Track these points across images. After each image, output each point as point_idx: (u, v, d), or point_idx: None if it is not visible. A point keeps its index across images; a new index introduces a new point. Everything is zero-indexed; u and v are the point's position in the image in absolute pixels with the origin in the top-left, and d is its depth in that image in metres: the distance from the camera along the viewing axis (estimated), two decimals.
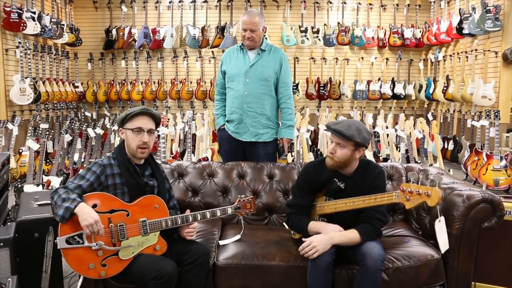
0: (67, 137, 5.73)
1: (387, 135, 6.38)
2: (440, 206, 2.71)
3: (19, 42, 6.29)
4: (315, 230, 2.53)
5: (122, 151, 2.49)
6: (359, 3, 8.32)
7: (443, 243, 2.45)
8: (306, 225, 2.58)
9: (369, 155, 6.31)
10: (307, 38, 8.12)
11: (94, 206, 2.28)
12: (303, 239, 2.47)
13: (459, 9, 6.92)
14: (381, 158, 6.22)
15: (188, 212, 2.51)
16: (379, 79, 8.32)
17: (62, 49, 7.89)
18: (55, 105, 7.22)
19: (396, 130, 6.16)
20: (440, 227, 2.46)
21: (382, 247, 2.46)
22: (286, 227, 2.95)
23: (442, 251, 2.47)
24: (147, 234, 2.36)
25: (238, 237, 2.82)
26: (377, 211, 2.50)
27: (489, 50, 6.47)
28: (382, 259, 2.36)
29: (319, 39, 8.16)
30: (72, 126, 5.98)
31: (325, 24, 8.23)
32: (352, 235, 2.44)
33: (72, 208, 2.18)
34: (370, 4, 8.36)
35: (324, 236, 2.43)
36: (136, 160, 2.49)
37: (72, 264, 2.23)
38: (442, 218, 2.44)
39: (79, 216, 2.18)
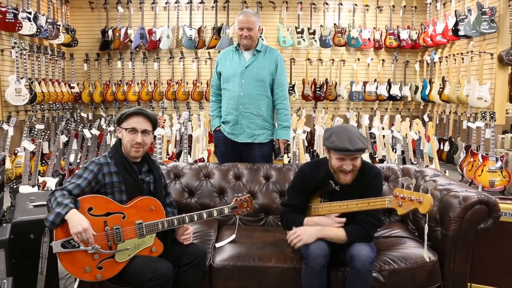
0: (63, 138, 5.71)
1: (383, 136, 6.40)
2: (436, 208, 2.73)
3: (15, 43, 6.27)
4: (312, 224, 2.54)
5: (119, 150, 2.49)
6: (355, 5, 8.33)
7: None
8: (301, 220, 2.59)
9: (365, 156, 6.31)
10: (304, 39, 8.13)
11: (90, 209, 2.27)
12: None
13: (455, 11, 6.94)
14: (377, 159, 6.23)
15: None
16: (375, 80, 8.34)
17: (58, 50, 7.86)
18: (51, 105, 7.21)
19: (392, 131, 6.17)
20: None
21: (373, 248, 2.47)
22: None
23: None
24: (143, 237, 2.35)
25: (233, 236, 2.82)
26: (371, 214, 2.50)
27: (484, 52, 6.49)
28: (370, 261, 2.36)
29: (315, 40, 8.16)
30: (68, 127, 5.96)
31: (321, 26, 8.24)
32: (339, 233, 2.46)
33: (63, 214, 2.17)
34: (366, 6, 8.38)
35: (312, 228, 2.46)
36: (132, 158, 2.49)
37: (68, 267, 2.21)
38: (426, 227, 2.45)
39: (69, 223, 2.16)
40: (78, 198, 2.28)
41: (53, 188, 4.19)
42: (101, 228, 2.26)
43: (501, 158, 5.58)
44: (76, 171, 2.45)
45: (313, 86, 8.31)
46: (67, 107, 7.96)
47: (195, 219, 2.51)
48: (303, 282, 2.42)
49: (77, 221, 2.17)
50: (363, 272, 2.33)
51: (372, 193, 2.50)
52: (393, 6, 8.34)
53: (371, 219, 2.49)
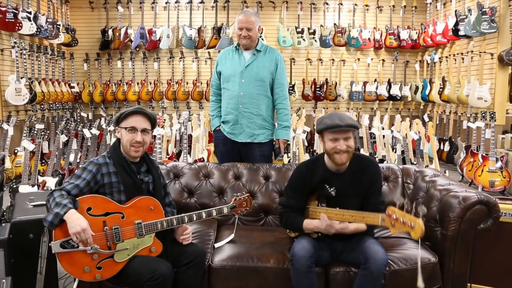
0: (63, 138, 5.71)
1: (383, 136, 6.39)
2: (435, 208, 2.73)
3: (15, 42, 6.26)
4: (312, 227, 2.55)
5: (117, 150, 2.48)
6: (356, 5, 8.33)
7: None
8: (301, 223, 2.59)
9: None
10: (304, 39, 8.12)
11: (88, 209, 2.26)
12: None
13: (455, 11, 6.93)
14: (377, 159, 6.23)
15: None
16: (375, 80, 8.33)
17: (58, 49, 7.85)
18: (51, 105, 7.21)
19: (392, 131, 6.17)
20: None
21: (385, 250, 2.47)
22: None
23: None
24: (142, 236, 2.35)
25: (232, 236, 2.82)
26: (379, 201, 2.59)
27: (484, 52, 6.49)
28: (385, 263, 2.37)
29: (315, 40, 8.16)
30: (68, 127, 5.96)
31: (321, 25, 8.24)
32: (359, 226, 2.48)
33: (62, 214, 2.16)
34: (367, 6, 8.37)
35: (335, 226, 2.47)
36: (131, 158, 2.49)
37: (67, 268, 2.21)
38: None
39: (68, 223, 2.16)
40: (77, 198, 2.27)
41: (53, 188, 4.19)
42: (100, 228, 2.25)
43: (501, 158, 5.57)
44: (76, 171, 2.44)
45: (313, 86, 8.30)
46: (67, 106, 7.95)
47: (194, 219, 2.51)
48: (293, 284, 2.44)
49: (75, 221, 2.16)
50: (377, 274, 2.33)
51: (373, 189, 2.58)
52: (393, 6, 8.33)
53: (381, 206, 2.53)
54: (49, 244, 2.23)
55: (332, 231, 2.47)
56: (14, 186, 4.71)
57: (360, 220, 2.44)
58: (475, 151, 5.91)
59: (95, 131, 6.07)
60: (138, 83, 8.25)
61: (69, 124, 6.06)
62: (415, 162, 5.73)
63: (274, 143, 3.67)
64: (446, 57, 7.59)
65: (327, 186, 2.57)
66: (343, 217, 2.47)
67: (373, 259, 2.33)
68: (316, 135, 6.82)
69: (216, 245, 2.75)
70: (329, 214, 2.51)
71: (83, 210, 2.25)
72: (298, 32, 8.13)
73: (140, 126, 2.45)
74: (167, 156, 5.92)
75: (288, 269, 2.51)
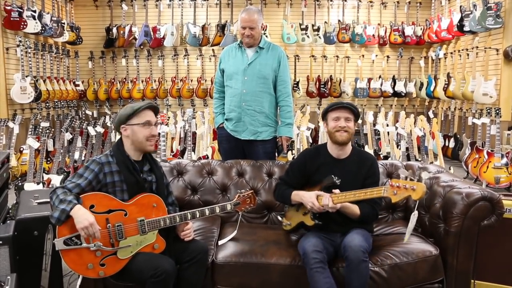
0: (68, 136, 5.74)
1: (388, 133, 6.37)
2: (439, 204, 2.73)
3: (20, 41, 6.29)
4: (298, 198, 2.69)
5: (121, 148, 2.48)
6: (360, 1, 8.29)
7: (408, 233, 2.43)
8: (290, 194, 2.75)
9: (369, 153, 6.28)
10: (308, 36, 8.11)
11: (91, 207, 2.27)
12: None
13: (460, 6, 6.90)
14: (381, 156, 6.21)
15: None
16: (379, 76, 8.30)
17: (63, 48, 7.89)
18: (56, 103, 7.24)
19: (396, 128, 6.15)
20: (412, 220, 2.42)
21: (367, 239, 2.50)
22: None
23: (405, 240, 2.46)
24: (145, 233, 2.36)
25: (235, 233, 2.82)
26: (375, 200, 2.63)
27: (490, 48, 6.45)
28: (363, 250, 2.37)
29: (319, 37, 8.14)
30: (73, 125, 5.98)
31: (325, 22, 8.22)
32: (354, 210, 2.56)
33: (68, 210, 2.18)
34: (371, 2, 8.34)
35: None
36: (134, 157, 2.50)
37: (71, 264, 2.23)
38: (416, 213, 2.42)
39: (75, 219, 2.17)
40: (79, 196, 2.29)
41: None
42: (103, 226, 2.26)
43: (507, 155, 5.54)
44: (78, 170, 2.45)
45: (317, 83, 8.29)
46: (72, 104, 7.99)
47: (197, 216, 2.51)
48: (309, 280, 2.41)
49: (82, 216, 2.18)
50: (356, 262, 2.34)
51: (372, 179, 2.68)
52: (398, 2, 8.30)
53: (377, 199, 2.61)
54: (53, 242, 2.25)
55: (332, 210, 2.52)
56: (20, 183, 4.74)
57: (363, 196, 2.47)
58: (480, 148, 5.88)
59: (100, 129, 6.10)
60: (142, 81, 8.28)
61: (74, 122, 6.08)
62: (419, 159, 5.71)
63: (277, 140, 3.67)
64: (451, 53, 7.55)
65: (333, 176, 2.60)
66: (346, 198, 2.51)
67: (349, 247, 2.38)
68: (320, 132, 6.81)
69: (220, 242, 2.76)
70: (332, 197, 2.55)
71: (86, 208, 2.25)
72: (302, 29, 8.12)
73: (153, 119, 2.50)
74: (172, 154, 5.93)
75: (291, 266, 2.52)
